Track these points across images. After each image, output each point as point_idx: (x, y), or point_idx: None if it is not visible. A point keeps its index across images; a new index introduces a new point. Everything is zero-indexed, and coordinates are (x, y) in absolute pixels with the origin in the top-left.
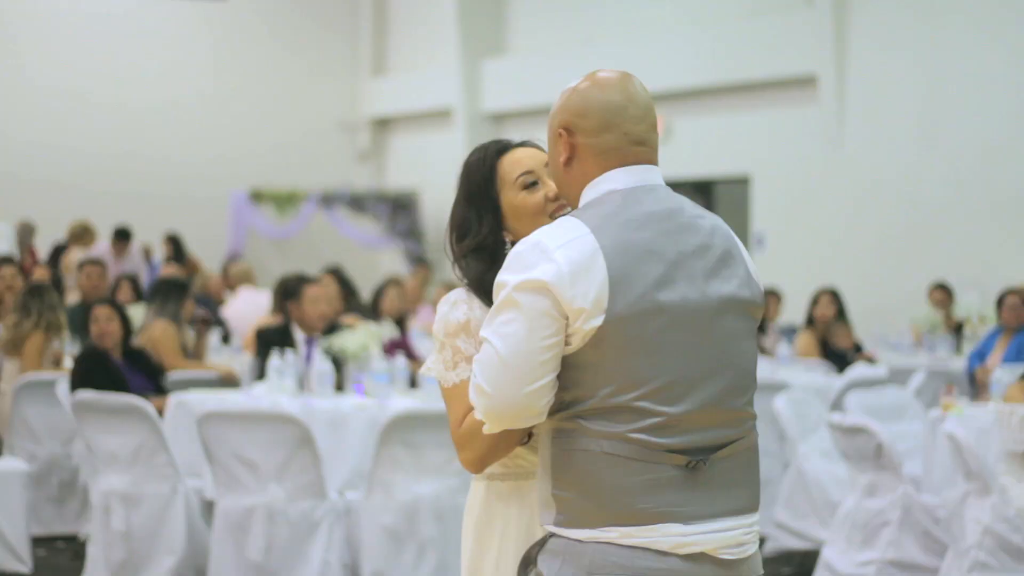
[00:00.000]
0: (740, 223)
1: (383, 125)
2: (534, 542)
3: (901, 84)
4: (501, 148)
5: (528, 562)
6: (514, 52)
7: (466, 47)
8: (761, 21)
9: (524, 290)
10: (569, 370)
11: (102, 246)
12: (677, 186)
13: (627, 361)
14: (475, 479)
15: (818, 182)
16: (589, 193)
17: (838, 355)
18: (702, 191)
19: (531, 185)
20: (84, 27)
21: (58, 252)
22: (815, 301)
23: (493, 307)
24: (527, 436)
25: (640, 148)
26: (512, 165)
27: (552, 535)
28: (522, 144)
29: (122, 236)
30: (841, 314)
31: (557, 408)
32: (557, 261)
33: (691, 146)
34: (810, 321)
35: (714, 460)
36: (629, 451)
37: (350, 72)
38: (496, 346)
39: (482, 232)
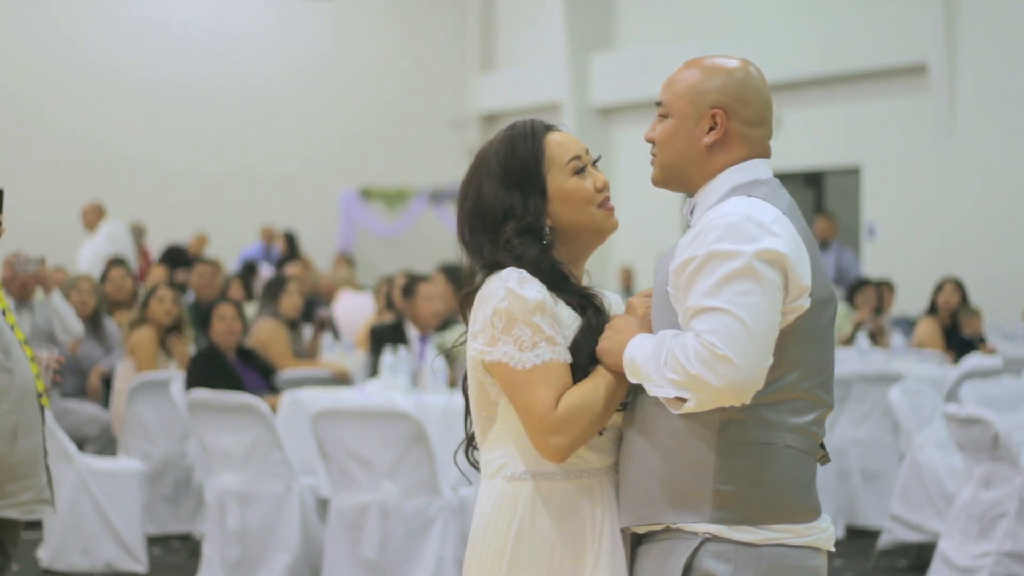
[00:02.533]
0: (851, 213)
1: (492, 121)
2: (678, 552)
3: (1013, 71)
4: (545, 128)
5: (687, 571)
6: (622, 45)
7: (573, 41)
8: (871, 9)
9: (763, 260)
10: None
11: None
12: (788, 177)
13: (812, 347)
14: (504, 479)
15: (929, 171)
16: (734, 177)
17: (964, 342)
18: (813, 182)
19: (581, 171)
20: (196, 29)
21: (173, 253)
22: (939, 288)
23: (719, 276)
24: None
25: (769, 145)
26: (560, 147)
27: (708, 538)
28: (554, 127)
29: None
30: (964, 301)
31: None
32: (783, 236)
33: (802, 137)
34: (932, 309)
35: None
36: (807, 444)
37: (458, 68)
38: (741, 317)
39: (528, 215)
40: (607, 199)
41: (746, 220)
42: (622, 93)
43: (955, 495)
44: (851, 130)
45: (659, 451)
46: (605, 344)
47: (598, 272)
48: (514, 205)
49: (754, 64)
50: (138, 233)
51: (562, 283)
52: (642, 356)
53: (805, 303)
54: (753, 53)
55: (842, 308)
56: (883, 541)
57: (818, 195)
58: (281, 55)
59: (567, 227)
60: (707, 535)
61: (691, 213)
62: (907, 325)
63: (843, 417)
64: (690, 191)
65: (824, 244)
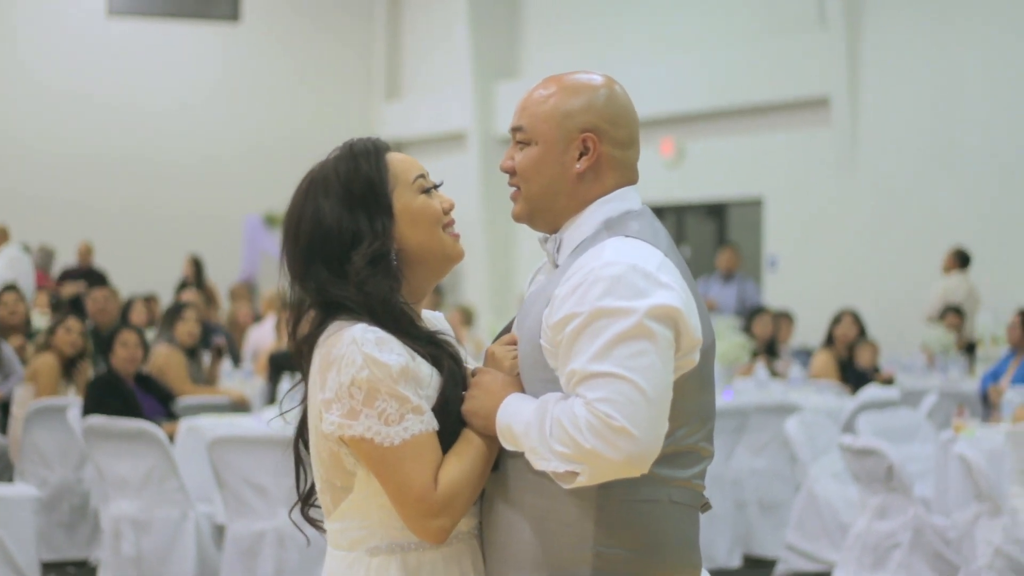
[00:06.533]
0: (753, 245)
1: (397, 149)
2: None
3: (914, 105)
4: (385, 146)
5: None
6: (527, 75)
7: (479, 70)
8: (774, 43)
9: (655, 318)
10: None
11: None
12: (690, 208)
13: (699, 398)
14: (367, 552)
15: (831, 204)
16: (603, 209)
17: (859, 375)
18: (715, 214)
19: (428, 190)
20: (102, 50)
21: (68, 276)
22: (836, 320)
23: (608, 337)
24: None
25: (637, 168)
26: (405, 164)
27: None
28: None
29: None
30: (862, 334)
31: None
32: (673, 287)
33: (704, 168)
34: (829, 340)
35: None
36: (690, 498)
37: (364, 95)
38: (637, 382)
39: (377, 239)
40: (453, 222)
41: (631, 271)
42: None
43: (850, 525)
44: (754, 162)
45: (531, 510)
46: (473, 405)
47: (500, 302)
48: (361, 228)
49: (617, 81)
50: (46, 257)
51: (411, 328)
52: (520, 423)
53: (696, 357)
54: (656, 85)
55: (740, 339)
56: (779, 571)
57: (720, 227)
58: (186, 79)
59: (414, 252)
60: None
61: (557, 251)
62: (806, 356)
63: (740, 447)
64: (556, 227)
65: (728, 275)
